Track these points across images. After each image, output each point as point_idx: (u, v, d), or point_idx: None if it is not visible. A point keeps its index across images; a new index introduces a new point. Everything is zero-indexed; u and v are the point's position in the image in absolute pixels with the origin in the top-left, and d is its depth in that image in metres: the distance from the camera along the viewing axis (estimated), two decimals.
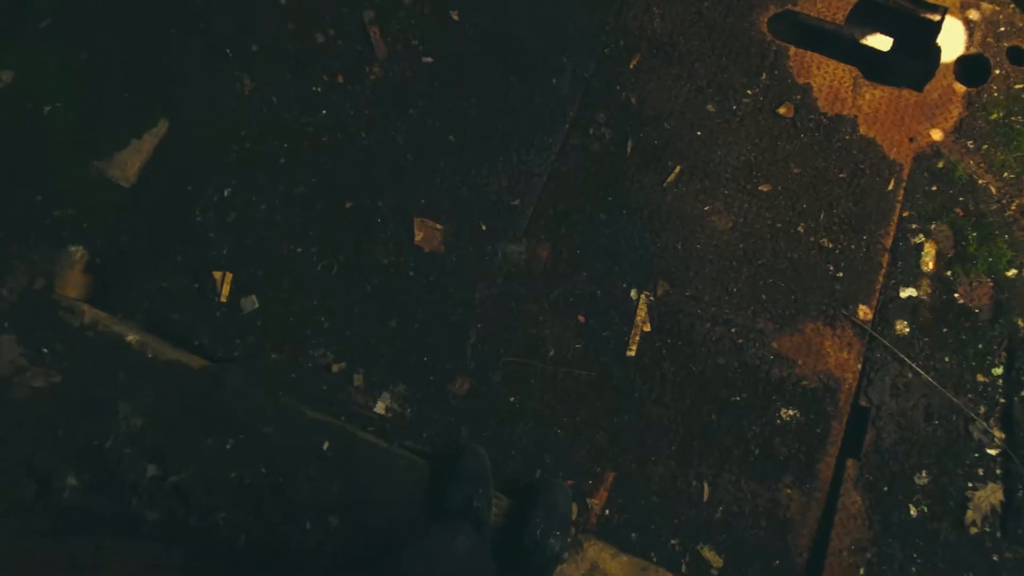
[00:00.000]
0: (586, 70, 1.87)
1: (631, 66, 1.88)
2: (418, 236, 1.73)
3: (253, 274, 1.69)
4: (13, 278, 1.60)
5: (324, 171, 1.78)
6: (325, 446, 1.50)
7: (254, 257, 1.70)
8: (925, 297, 1.66)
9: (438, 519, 1.34)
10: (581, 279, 1.70)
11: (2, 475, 1.34)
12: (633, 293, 1.69)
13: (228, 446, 1.48)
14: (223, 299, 1.67)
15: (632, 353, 1.64)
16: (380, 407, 1.60)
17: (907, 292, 1.67)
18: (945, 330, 1.63)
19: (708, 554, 1.50)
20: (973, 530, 1.48)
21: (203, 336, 1.64)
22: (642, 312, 1.67)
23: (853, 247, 1.71)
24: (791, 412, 1.59)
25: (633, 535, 1.51)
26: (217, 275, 1.68)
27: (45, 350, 1.54)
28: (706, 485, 1.55)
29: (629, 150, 1.80)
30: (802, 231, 1.73)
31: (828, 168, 1.78)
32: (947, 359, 1.61)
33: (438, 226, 1.74)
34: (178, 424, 1.49)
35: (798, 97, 1.84)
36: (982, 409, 1.55)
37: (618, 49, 1.90)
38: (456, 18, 1.90)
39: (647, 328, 1.66)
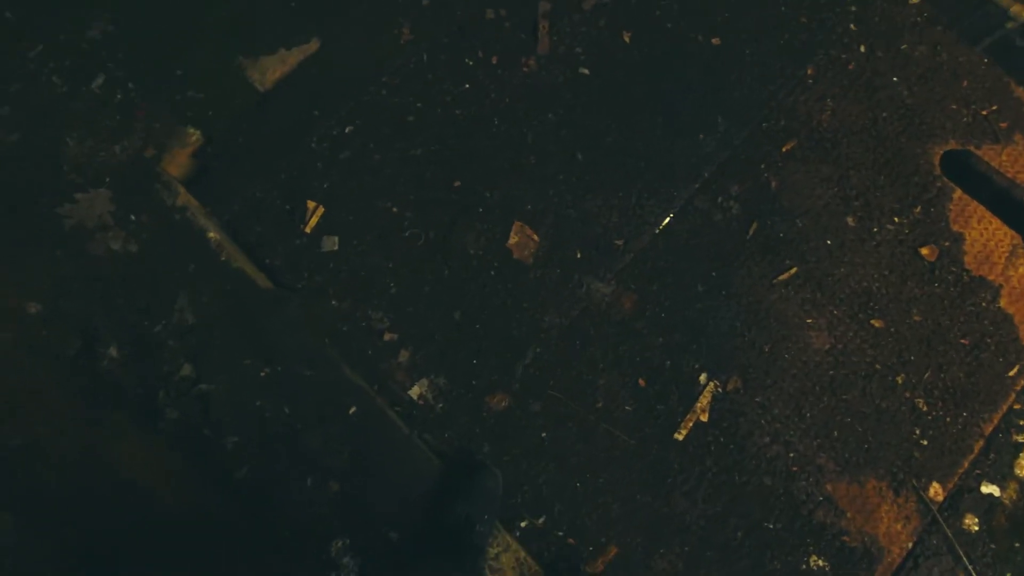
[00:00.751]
0: (737, 137, 1.78)
1: (784, 149, 1.78)
2: (512, 239, 1.68)
3: (343, 217, 1.68)
4: (129, 139, 1.63)
5: (446, 143, 1.74)
6: (352, 410, 1.47)
7: (350, 201, 1.68)
8: (1008, 502, 1.51)
9: (430, 545, 1.29)
10: (656, 343, 1.62)
11: (55, 325, 1.36)
12: (703, 378, 1.60)
13: (263, 373, 1.46)
14: (307, 230, 1.66)
15: (680, 437, 1.55)
16: (415, 391, 1.56)
17: (989, 488, 1.52)
18: (1018, 544, 1.48)
19: None
20: None
21: (276, 258, 1.64)
22: (705, 400, 1.58)
23: (948, 419, 1.57)
24: (820, 562, 1.48)
25: None
26: (311, 205, 1.67)
27: (133, 217, 1.56)
28: None
29: (751, 233, 1.71)
30: (900, 382, 1.60)
31: (952, 328, 1.64)
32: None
33: (535, 237, 1.69)
34: (224, 334, 1.49)
35: (946, 244, 1.71)
36: None
37: (777, 128, 1.80)
38: (627, 40, 1.84)
39: (704, 418, 1.57)
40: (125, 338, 1.40)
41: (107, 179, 1.58)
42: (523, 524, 1.49)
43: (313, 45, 1.77)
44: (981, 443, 1.56)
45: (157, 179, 1.61)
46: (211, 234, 1.59)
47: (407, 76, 1.78)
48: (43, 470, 1.15)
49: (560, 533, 1.49)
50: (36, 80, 1.62)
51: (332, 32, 1.78)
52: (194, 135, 1.68)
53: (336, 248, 1.66)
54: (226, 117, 1.70)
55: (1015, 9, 1.96)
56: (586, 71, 1.81)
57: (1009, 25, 1.92)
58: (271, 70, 1.74)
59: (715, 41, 1.84)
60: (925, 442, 1.55)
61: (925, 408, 1.58)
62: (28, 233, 1.44)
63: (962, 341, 1.63)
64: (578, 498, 1.51)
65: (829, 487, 1.52)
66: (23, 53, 1.63)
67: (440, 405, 1.57)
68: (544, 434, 1.55)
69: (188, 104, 1.68)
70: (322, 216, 1.68)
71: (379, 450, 1.46)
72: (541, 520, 1.50)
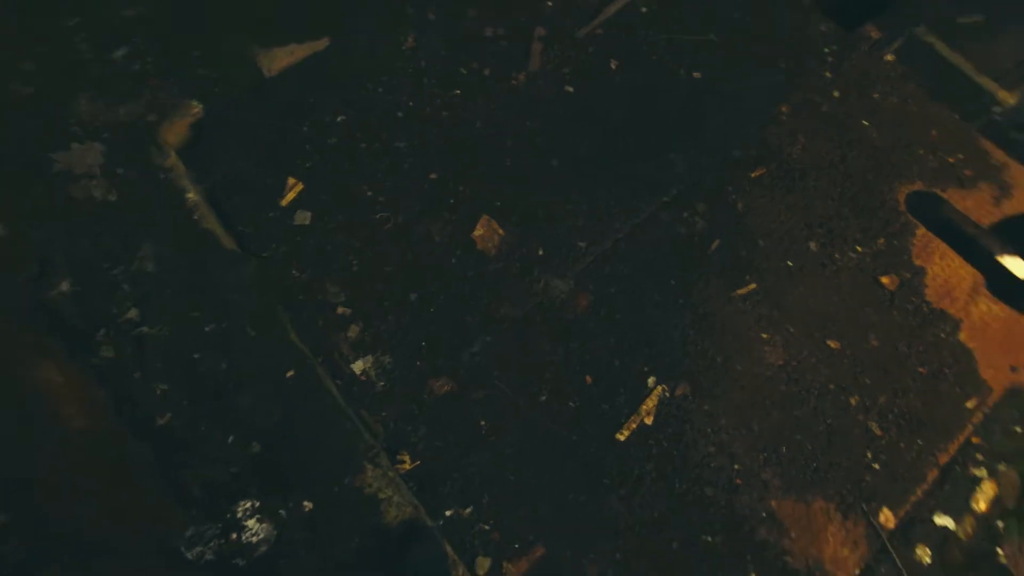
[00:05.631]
0: (707, 161, 1.85)
1: (752, 175, 1.84)
2: (477, 231, 1.73)
3: (320, 195, 1.75)
4: (135, 104, 1.75)
5: (428, 139, 1.84)
6: (290, 373, 1.47)
7: (329, 181, 1.76)
8: (963, 536, 1.42)
9: None
10: (607, 343, 1.61)
11: (16, 247, 1.41)
12: (651, 381, 1.57)
13: (208, 328, 1.48)
14: (283, 203, 1.73)
15: (622, 438, 1.51)
16: (358, 366, 1.56)
17: (943, 521, 1.44)
18: None
19: None
20: None
21: (248, 226, 1.70)
22: (651, 403, 1.55)
23: (902, 446, 1.52)
24: None
25: None
26: (291, 181, 1.75)
27: (120, 171, 1.65)
28: None
29: (713, 248, 1.73)
30: (854, 404, 1.56)
31: (910, 356, 1.62)
32: None
33: (500, 231, 1.74)
34: (179, 286, 1.52)
35: (907, 275, 1.71)
36: None
37: (748, 157, 1.87)
38: (613, 67, 1.96)
39: (649, 421, 1.53)
40: (80, 275, 1.45)
41: (104, 135, 1.69)
42: (448, 513, 1.43)
43: (322, 43, 1.92)
44: (936, 473, 1.49)
45: (152, 141, 1.71)
46: (189, 195, 1.66)
47: (404, 78, 1.91)
48: None
49: (486, 527, 1.43)
50: (65, 44, 1.77)
51: (343, 33, 1.94)
52: (196, 107, 1.80)
53: (307, 223, 1.72)
54: (229, 96, 1.82)
55: (1002, 95, 2.01)
56: (571, 89, 1.93)
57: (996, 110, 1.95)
58: (279, 60, 1.89)
59: (696, 75, 1.95)
60: (877, 466, 1.49)
61: (879, 432, 1.53)
62: (17, 168, 1.53)
63: (919, 369, 1.60)
64: (509, 492, 1.46)
65: (773, 503, 1.45)
66: (62, 22, 1.80)
67: (382, 383, 1.56)
68: (483, 422, 1.53)
69: (197, 80, 1.81)
70: (300, 192, 1.75)
71: (309, 417, 1.44)
72: (468, 510, 1.44)
